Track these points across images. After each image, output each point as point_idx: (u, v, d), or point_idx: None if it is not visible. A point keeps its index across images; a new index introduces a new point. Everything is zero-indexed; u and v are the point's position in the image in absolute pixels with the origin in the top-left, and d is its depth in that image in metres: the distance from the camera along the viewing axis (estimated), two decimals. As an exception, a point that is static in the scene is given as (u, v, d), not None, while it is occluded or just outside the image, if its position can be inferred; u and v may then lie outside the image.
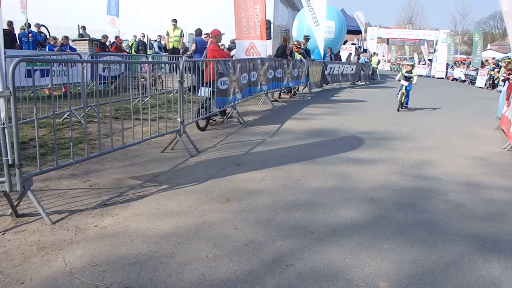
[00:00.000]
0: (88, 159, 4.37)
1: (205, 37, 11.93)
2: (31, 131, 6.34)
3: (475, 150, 6.64)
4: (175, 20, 14.54)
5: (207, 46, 8.51)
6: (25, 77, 8.43)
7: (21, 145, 5.25)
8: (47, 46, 13.05)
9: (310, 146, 6.50)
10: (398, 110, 10.76)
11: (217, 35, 8.24)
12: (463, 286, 2.66)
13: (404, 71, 11.07)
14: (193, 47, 12.00)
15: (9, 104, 3.22)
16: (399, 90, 11.04)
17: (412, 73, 10.82)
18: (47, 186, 4.23)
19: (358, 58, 23.16)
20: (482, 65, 25.39)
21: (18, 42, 13.37)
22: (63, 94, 9.39)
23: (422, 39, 36.56)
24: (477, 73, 24.60)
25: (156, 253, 2.94)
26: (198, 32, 12.21)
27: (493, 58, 27.18)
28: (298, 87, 14.40)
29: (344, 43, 25.43)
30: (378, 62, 26.14)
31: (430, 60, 35.99)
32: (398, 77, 11.06)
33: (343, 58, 22.22)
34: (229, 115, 8.60)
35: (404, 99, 10.99)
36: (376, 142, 6.95)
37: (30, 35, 13.54)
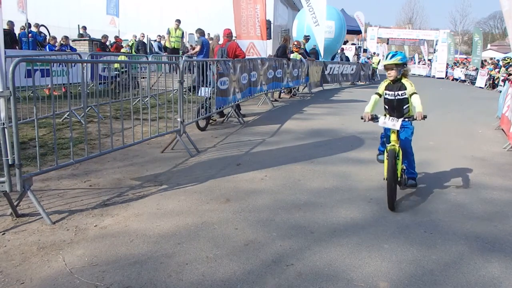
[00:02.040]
0: (88, 159, 4.37)
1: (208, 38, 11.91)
2: (31, 131, 6.34)
3: (475, 150, 6.63)
4: (178, 21, 14.45)
5: (222, 45, 8.59)
6: (25, 77, 8.44)
7: (21, 145, 5.25)
8: (47, 46, 13.05)
9: (310, 146, 6.50)
10: (391, 207, 3.89)
11: (230, 34, 8.70)
12: (463, 286, 2.66)
13: (383, 86, 4.22)
14: (198, 48, 11.90)
15: (9, 104, 3.22)
16: (382, 146, 4.53)
17: (403, 85, 4.09)
18: (47, 186, 4.23)
19: (358, 58, 23.19)
20: (482, 65, 25.39)
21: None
22: (63, 94, 9.39)
23: (422, 39, 36.58)
24: (477, 73, 24.61)
25: (156, 253, 2.94)
26: (202, 32, 12.08)
27: (491, 59, 27.19)
28: (298, 87, 14.41)
29: (344, 43, 25.45)
30: (379, 62, 26.16)
31: (430, 60, 36.01)
32: (370, 108, 4.17)
33: (350, 58, 22.48)
34: (229, 115, 8.61)
35: (402, 167, 4.21)
36: (376, 142, 6.90)
37: (30, 35, 13.54)
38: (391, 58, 4.09)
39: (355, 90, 17.83)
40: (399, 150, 4.04)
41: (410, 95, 4.05)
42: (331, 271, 2.77)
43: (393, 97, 4.15)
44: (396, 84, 4.14)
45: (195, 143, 6.07)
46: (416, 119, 3.94)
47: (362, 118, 4.15)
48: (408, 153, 4.25)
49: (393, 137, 4.07)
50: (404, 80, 4.11)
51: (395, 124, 3.94)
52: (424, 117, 3.85)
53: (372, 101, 4.24)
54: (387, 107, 4.26)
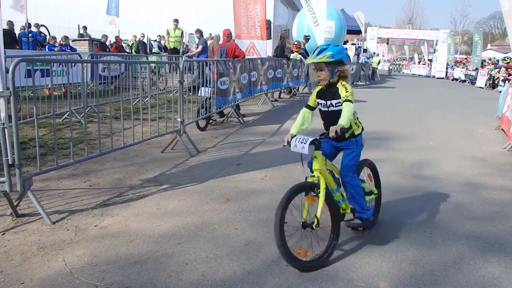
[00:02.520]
0: (88, 159, 4.37)
1: (206, 37, 11.96)
2: (31, 131, 6.34)
3: (475, 150, 6.63)
4: (176, 20, 14.50)
5: (222, 45, 8.64)
6: (25, 77, 8.43)
7: (21, 145, 5.25)
8: (47, 46, 13.05)
9: (310, 146, 6.49)
10: (296, 268, 2.74)
11: (230, 34, 8.84)
12: (463, 286, 2.66)
13: (315, 93, 3.16)
14: (200, 48, 11.95)
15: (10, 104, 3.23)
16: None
17: (338, 91, 2.99)
18: (47, 186, 4.23)
19: (358, 58, 23.22)
20: (482, 65, 25.40)
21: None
22: (63, 94, 9.38)
23: (422, 39, 36.59)
24: (477, 73, 24.62)
25: (156, 253, 2.94)
26: (201, 32, 12.16)
27: (490, 59, 27.20)
28: (298, 87, 14.41)
29: (344, 43, 25.45)
30: (379, 62, 26.19)
31: (430, 60, 36.04)
32: (296, 128, 3.13)
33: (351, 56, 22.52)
34: (229, 115, 8.61)
35: (350, 207, 3.17)
36: (376, 142, 6.94)
37: (30, 35, 13.54)
38: (318, 54, 2.92)
39: (355, 90, 17.76)
40: (322, 182, 2.84)
41: (343, 103, 2.91)
42: (331, 271, 2.77)
43: (326, 108, 3.07)
44: (330, 90, 3.01)
45: (195, 143, 6.07)
46: (328, 137, 2.84)
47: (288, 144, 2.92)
48: (349, 185, 3.06)
49: (315, 164, 2.92)
50: (339, 84, 2.97)
51: (304, 146, 2.78)
52: (342, 132, 2.77)
53: (299, 118, 3.16)
54: (323, 122, 3.19)
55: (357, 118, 3.16)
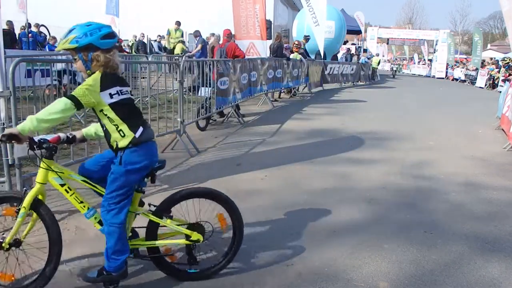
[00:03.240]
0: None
1: (207, 37, 12.03)
2: (31, 131, 6.33)
3: (475, 150, 6.63)
4: (178, 23, 14.49)
5: (222, 45, 8.65)
6: (25, 77, 8.43)
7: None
8: (46, 46, 13.06)
9: (310, 146, 6.50)
10: None
11: (230, 34, 8.86)
12: (463, 286, 2.66)
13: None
14: (199, 47, 12.03)
15: (9, 104, 3.22)
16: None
17: None
18: (47, 186, 4.22)
19: (358, 58, 23.22)
20: (482, 65, 25.39)
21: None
22: (64, 94, 9.39)
23: (422, 39, 36.59)
24: (477, 73, 24.62)
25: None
26: (199, 33, 12.27)
27: (491, 59, 27.21)
28: (298, 87, 14.42)
29: (344, 43, 25.47)
30: (379, 63, 26.19)
31: (430, 60, 36.02)
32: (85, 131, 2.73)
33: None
34: (229, 115, 8.61)
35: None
36: (376, 142, 6.95)
37: (30, 35, 13.55)
38: (63, 38, 2.14)
39: (355, 90, 17.83)
40: (28, 198, 2.35)
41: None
42: (331, 271, 2.77)
43: None
44: None
45: (195, 143, 6.07)
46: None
47: None
48: (103, 220, 2.44)
49: (38, 175, 2.38)
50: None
51: (18, 149, 1.98)
52: (10, 138, 2.05)
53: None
54: None
55: (125, 119, 2.25)
